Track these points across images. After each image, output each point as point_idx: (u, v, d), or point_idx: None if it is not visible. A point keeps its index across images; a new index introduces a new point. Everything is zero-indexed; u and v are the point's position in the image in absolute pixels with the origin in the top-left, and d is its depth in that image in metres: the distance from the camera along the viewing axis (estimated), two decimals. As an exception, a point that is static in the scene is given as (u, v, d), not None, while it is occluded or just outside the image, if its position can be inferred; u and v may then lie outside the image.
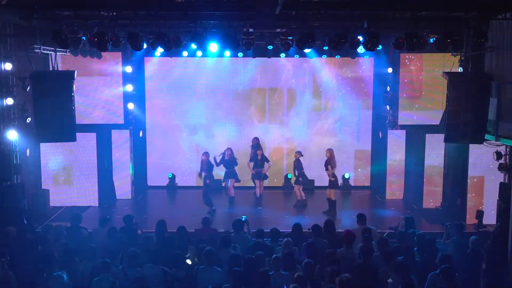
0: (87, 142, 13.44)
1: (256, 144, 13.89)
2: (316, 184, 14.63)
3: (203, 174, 12.85)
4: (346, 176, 15.26)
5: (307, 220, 11.78)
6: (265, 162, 13.51)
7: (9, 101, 10.80)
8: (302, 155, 13.37)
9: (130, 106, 14.55)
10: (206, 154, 13.03)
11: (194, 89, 15.30)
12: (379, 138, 15.00)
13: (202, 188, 12.94)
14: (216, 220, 11.38)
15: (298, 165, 13.29)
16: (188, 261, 7.65)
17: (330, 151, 12.83)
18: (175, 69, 15.22)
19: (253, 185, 13.78)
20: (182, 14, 9.78)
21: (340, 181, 14.86)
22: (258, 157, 13.39)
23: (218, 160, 13.22)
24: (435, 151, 13.49)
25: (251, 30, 10.53)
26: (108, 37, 9.76)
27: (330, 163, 12.70)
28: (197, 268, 7.25)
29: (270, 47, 12.68)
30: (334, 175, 12.72)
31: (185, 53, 13.09)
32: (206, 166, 12.92)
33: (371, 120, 15.29)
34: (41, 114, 10.25)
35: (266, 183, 14.02)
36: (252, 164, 13.69)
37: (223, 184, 13.90)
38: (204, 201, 12.85)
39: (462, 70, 11.91)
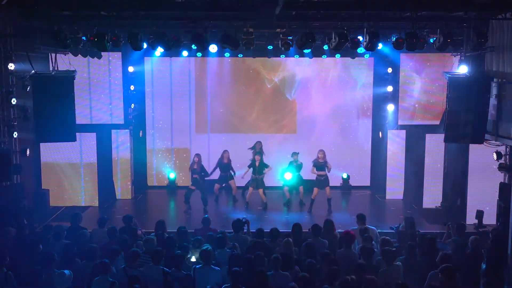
0: (87, 142, 13.45)
1: (259, 149, 13.66)
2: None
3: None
4: (344, 176, 15.26)
5: (307, 220, 11.82)
6: (265, 168, 13.18)
7: (10, 101, 10.79)
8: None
9: (130, 106, 14.56)
10: (198, 156, 13.04)
11: (194, 89, 15.30)
12: (379, 138, 15.00)
13: (193, 189, 12.90)
14: (217, 220, 11.35)
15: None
16: (193, 258, 7.66)
17: (323, 152, 12.96)
18: (175, 69, 15.21)
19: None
20: (182, 14, 9.78)
21: (340, 182, 15.13)
22: (256, 163, 13.12)
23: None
24: (435, 151, 13.49)
25: (251, 30, 10.53)
26: (108, 37, 9.75)
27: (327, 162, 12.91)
28: (194, 268, 7.26)
29: (270, 47, 12.68)
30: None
31: (185, 53, 13.07)
32: (200, 168, 12.94)
33: (371, 120, 15.29)
34: (41, 114, 10.27)
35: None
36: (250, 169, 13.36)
37: (224, 184, 13.88)
38: (203, 200, 12.85)
39: (461, 70, 11.90)
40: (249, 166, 13.22)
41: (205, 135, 15.42)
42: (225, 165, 13.40)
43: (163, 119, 15.36)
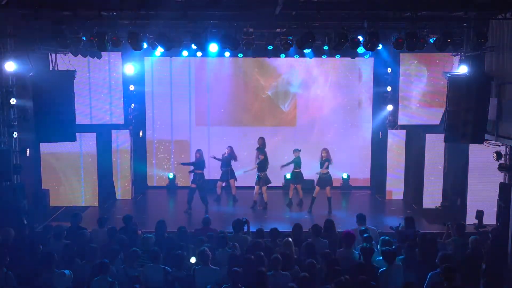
0: (87, 142, 13.45)
1: (261, 146, 13.55)
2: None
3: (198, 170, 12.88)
4: (344, 176, 15.26)
5: (308, 220, 11.81)
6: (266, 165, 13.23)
7: (9, 101, 10.79)
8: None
9: (130, 106, 14.55)
10: (199, 151, 13.02)
11: (194, 89, 15.30)
12: (379, 138, 15.00)
13: (194, 188, 12.83)
14: (217, 220, 11.35)
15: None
16: (193, 259, 7.66)
17: (326, 150, 12.95)
18: (175, 69, 15.22)
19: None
20: (182, 14, 9.78)
21: (340, 182, 15.12)
22: (257, 161, 13.18)
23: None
24: (435, 151, 13.49)
25: (251, 30, 10.53)
26: (108, 37, 9.76)
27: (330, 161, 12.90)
28: (194, 268, 7.26)
29: (270, 47, 12.65)
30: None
31: (185, 53, 13.08)
32: (200, 164, 12.91)
33: (371, 120, 15.29)
34: (41, 114, 10.27)
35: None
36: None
37: (223, 184, 13.87)
38: (202, 200, 12.84)
39: (461, 70, 11.90)
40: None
41: (205, 133, 15.40)
42: (223, 160, 13.44)
43: (163, 118, 15.36)
